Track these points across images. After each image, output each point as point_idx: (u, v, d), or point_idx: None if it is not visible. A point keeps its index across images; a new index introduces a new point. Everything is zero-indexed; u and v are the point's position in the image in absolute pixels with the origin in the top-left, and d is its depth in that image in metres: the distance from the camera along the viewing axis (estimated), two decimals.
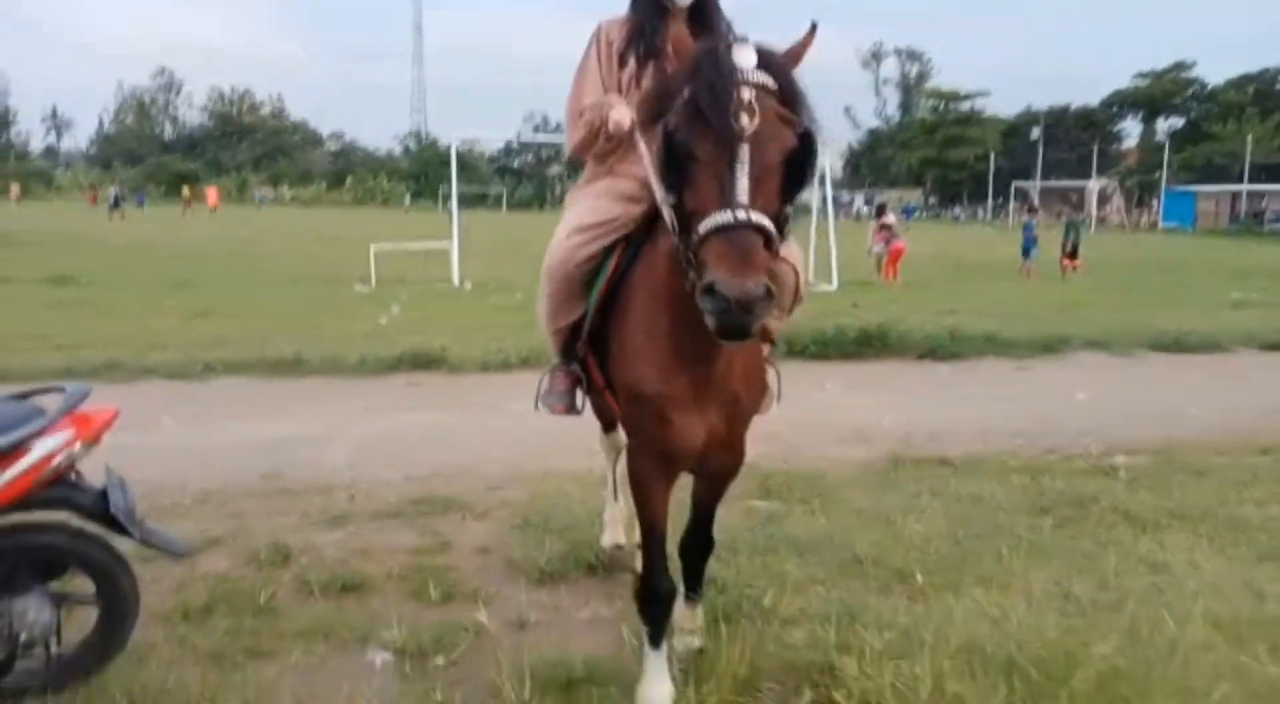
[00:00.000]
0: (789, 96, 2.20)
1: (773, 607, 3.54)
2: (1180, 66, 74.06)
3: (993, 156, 70.25)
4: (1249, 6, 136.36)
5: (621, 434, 3.39)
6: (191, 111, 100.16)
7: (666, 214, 2.37)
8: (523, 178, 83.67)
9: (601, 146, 3.02)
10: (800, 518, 4.69)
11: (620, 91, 3.05)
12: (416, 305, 13.00)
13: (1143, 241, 41.49)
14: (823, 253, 16.72)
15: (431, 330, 10.07)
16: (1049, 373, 9.07)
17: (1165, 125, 76.16)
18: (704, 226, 2.07)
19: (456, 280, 16.14)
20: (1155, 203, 62.18)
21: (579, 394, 3.17)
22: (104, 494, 2.86)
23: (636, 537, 3.09)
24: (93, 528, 2.92)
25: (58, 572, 2.96)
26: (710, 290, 2.00)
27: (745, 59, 2.16)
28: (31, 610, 2.84)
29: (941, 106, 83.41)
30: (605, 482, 4.21)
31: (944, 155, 78.88)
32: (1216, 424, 6.91)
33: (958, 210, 77.26)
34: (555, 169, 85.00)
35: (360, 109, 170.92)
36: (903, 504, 4.87)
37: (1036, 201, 48.94)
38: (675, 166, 2.20)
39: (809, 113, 2.24)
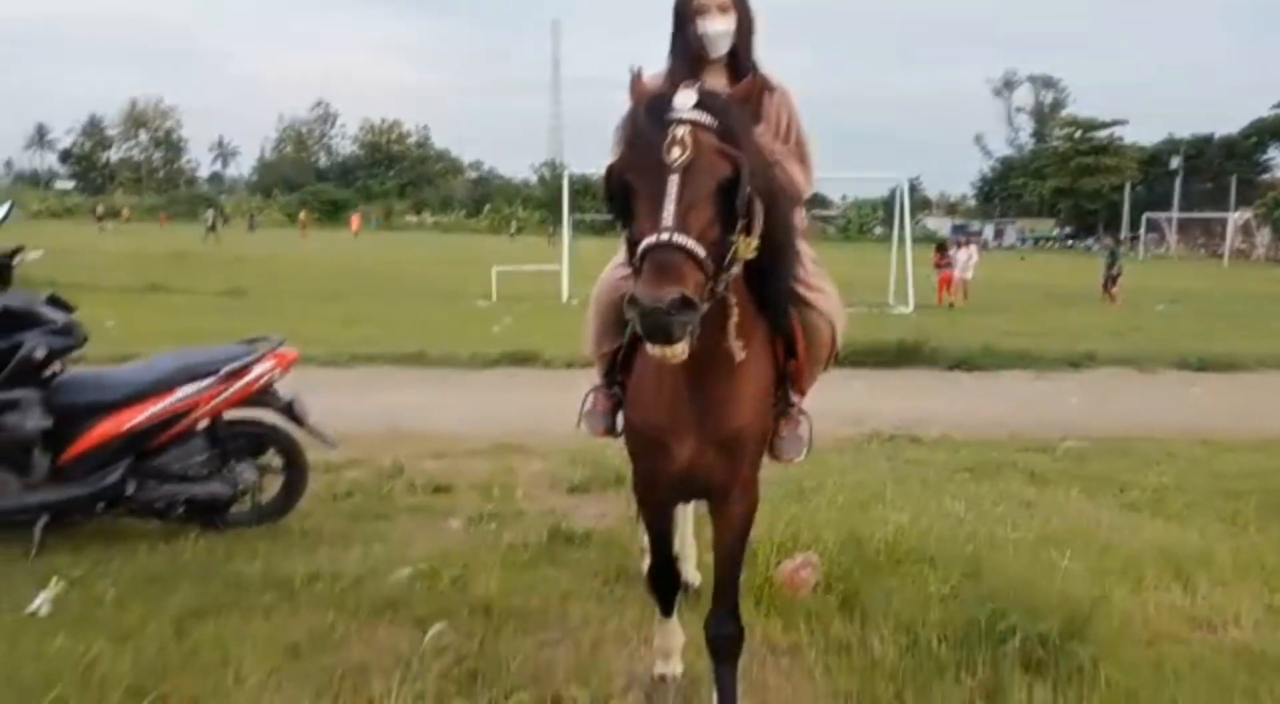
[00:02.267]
0: (726, 132, 2.28)
1: None
2: None
3: (1128, 187, 68.94)
4: None
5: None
6: (344, 141, 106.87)
7: (622, 248, 2.58)
8: None
9: None
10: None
11: None
12: (527, 317, 14.97)
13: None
14: (901, 278, 18.02)
15: (535, 336, 11.95)
16: (1062, 382, 10.30)
17: None
18: (639, 251, 2.22)
19: (565, 297, 18.10)
20: None
21: (619, 417, 3.16)
22: (291, 402, 4.72)
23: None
24: (283, 424, 4.78)
25: (261, 450, 4.83)
26: (631, 300, 2.13)
27: (684, 100, 2.28)
28: (245, 473, 4.71)
29: (1077, 135, 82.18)
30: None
31: (1078, 184, 77.64)
32: (1186, 424, 8.08)
33: (1090, 241, 75.94)
34: None
35: (499, 139, 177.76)
36: (858, 461, 6.38)
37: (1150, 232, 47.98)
38: (621, 203, 2.35)
39: (749, 146, 2.34)
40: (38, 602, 3.68)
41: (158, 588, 3.88)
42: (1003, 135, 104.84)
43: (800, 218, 3.17)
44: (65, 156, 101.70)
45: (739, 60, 3.11)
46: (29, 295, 4.66)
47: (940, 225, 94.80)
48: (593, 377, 3.33)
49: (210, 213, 48.74)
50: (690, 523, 3.87)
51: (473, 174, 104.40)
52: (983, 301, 19.56)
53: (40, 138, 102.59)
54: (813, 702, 3.22)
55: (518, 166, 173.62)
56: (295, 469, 4.82)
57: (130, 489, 4.44)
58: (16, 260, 4.73)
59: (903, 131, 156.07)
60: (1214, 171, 74.10)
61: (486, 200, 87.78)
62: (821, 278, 3.12)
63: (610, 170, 2.38)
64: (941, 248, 21.00)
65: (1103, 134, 79.41)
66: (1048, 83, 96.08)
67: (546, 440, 6.93)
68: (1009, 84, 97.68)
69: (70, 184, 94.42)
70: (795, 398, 3.07)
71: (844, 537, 4.48)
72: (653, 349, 2.18)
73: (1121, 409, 8.89)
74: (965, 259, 20.04)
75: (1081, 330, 14.88)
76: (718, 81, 3.00)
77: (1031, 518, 5.21)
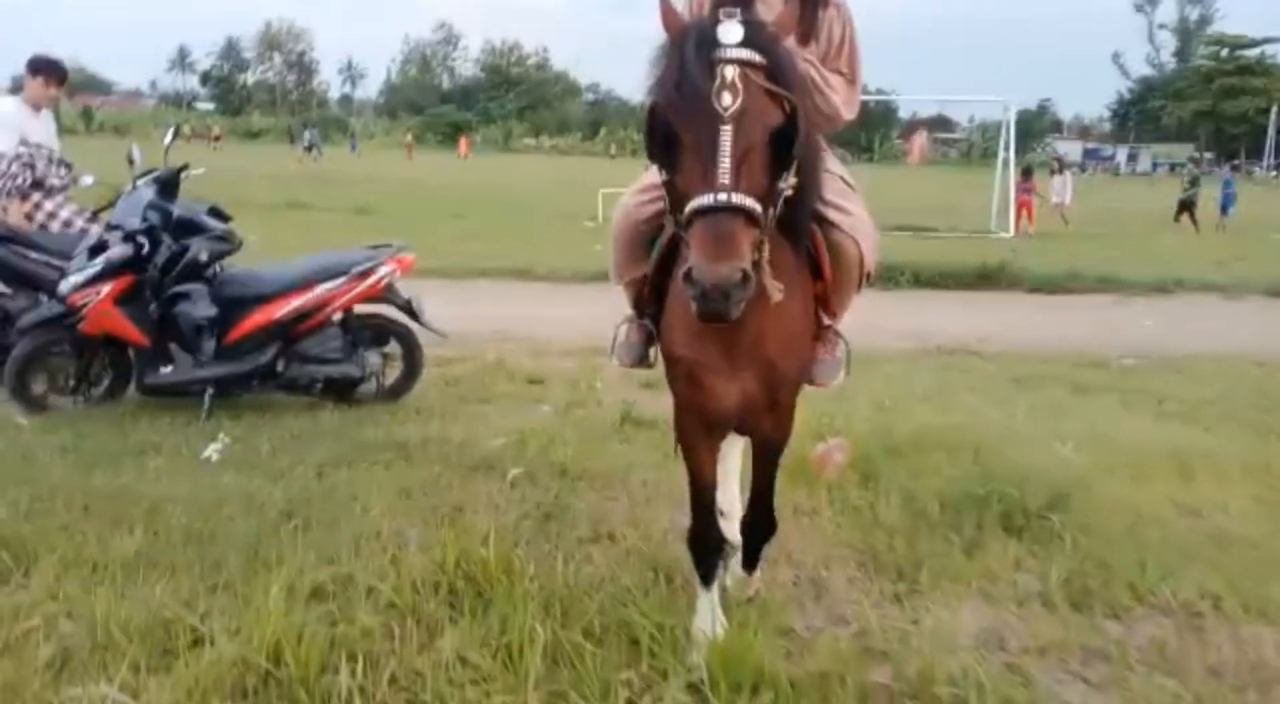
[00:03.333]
0: (777, 71, 2.16)
1: None
2: None
3: (1275, 110, 65.02)
4: None
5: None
6: (467, 64, 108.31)
7: (646, 175, 2.60)
8: None
9: None
10: None
11: None
12: None
13: None
14: (1004, 203, 18.03)
15: None
16: (1142, 307, 10.51)
17: None
18: (689, 208, 2.11)
19: None
20: None
21: (653, 349, 3.11)
22: (410, 300, 5.58)
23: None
24: (402, 318, 5.64)
25: (384, 341, 5.71)
26: (688, 276, 2.05)
27: (730, 35, 2.13)
28: (371, 359, 5.62)
29: (1223, 53, 77.46)
30: None
31: (1220, 107, 73.57)
32: (1254, 347, 8.31)
33: (1223, 168, 72.03)
34: None
35: (617, 59, 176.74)
36: (908, 370, 6.95)
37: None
38: (663, 146, 2.23)
39: (799, 84, 2.22)
40: (209, 450, 4.65)
41: (301, 444, 4.82)
42: (1143, 54, 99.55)
43: (831, 123, 2.99)
44: (205, 78, 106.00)
45: None
46: (194, 206, 5.60)
47: (1071, 149, 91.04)
48: (623, 306, 3.24)
49: (307, 133, 49.41)
50: (736, 479, 3.66)
51: (590, 96, 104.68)
52: (1087, 228, 19.37)
53: (182, 60, 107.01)
54: (821, 549, 3.90)
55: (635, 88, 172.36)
56: (412, 357, 5.70)
57: (279, 368, 5.40)
58: (184, 176, 5.67)
59: (1036, 49, 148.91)
60: None
61: (603, 123, 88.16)
62: (849, 197, 2.98)
63: (652, 113, 2.25)
64: (1027, 172, 20.48)
65: (1252, 53, 74.77)
66: None
67: None
68: None
69: (210, 105, 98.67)
70: (828, 320, 3.00)
71: (876, 428, 5.13)
72: (702, 319, 2.11)
73: (1195, 333, 9.12)
74: (1060, 185, 19.85)
75: (1182, 257, 14.79)
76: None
77: (1058, 420, 5.73)
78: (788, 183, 2.24)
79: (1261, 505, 4.55)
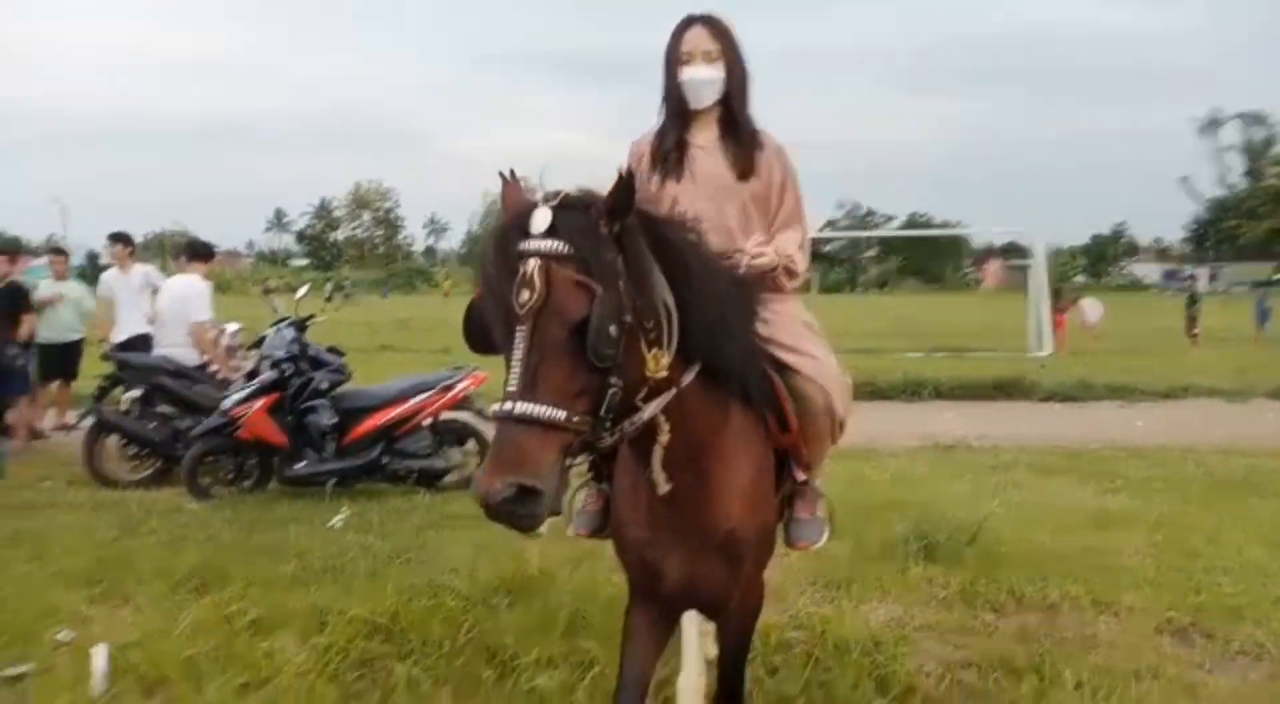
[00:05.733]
0: (588, 258, 1.97)
1: None
2: None
3: None
4: None
5: None
6: None
7: None
8: (834, 262, 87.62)
9: None
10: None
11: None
12: None
13: None
14: (1039, 324, 19.28)
15: None
16: (1142, 410, 11.57)
17: None
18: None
19: None
20: None
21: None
22: (482, 409, 7.16)
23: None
24: (477, 422, 7.22)
25: (464, 440, 7.28)
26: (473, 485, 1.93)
27: (538, 224, 1.98)
28: (454, 455, 7.18)
29: None
30: None
31: None
32: (1231, 439, 9.31)
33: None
34: (870, 253, 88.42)
35: None
36: (907, 462, 8.21)
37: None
38: (484, 345, 2.16)
39: (607, 270, 1.98)
40: (335, 520, 6.19)
41: (402, 516, 6.33)
42: (1210, 175, 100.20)
43: (793, 277, 2.97)
44: (300, 237, 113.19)
45: (732, 113, 2.94)
46: (318, 347, 7.33)
47: (1149, 271, 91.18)
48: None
49: (329, 285, 53.61)
50: (695, 661, 3.39)
51: None
52: (1128, 343, 20.36)
53: (279, 220, 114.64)
54: (787, 575, 5.19)
55: None
56: (485, 453, 7.24)
57: (384, 462, 6.99)
58: (309, 323, 7.43)
59: (1103, 175, 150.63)
60: None
61: None
62: (810, 341, 2.89)
63: (469, 310, 2.20)
64: (1057, 294, 22.07)
65: None
66: (1257, 119, 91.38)
67: None
68: (1215, 122, 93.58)
69: (304, 261, 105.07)
70: (800, 474, 2.85)
71: (851, 498, 6.42)
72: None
73: (1180, 429, 10.11)
74: (1090, 307, 21.19)
75: (1205, 368, 15.68)
76: (707, 135, 2.95)
77: (1010, 491, 6.96)
78: (651, 356, 2.09)
79: (1152, 546, 5.71)
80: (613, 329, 1.95)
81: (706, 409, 2.36)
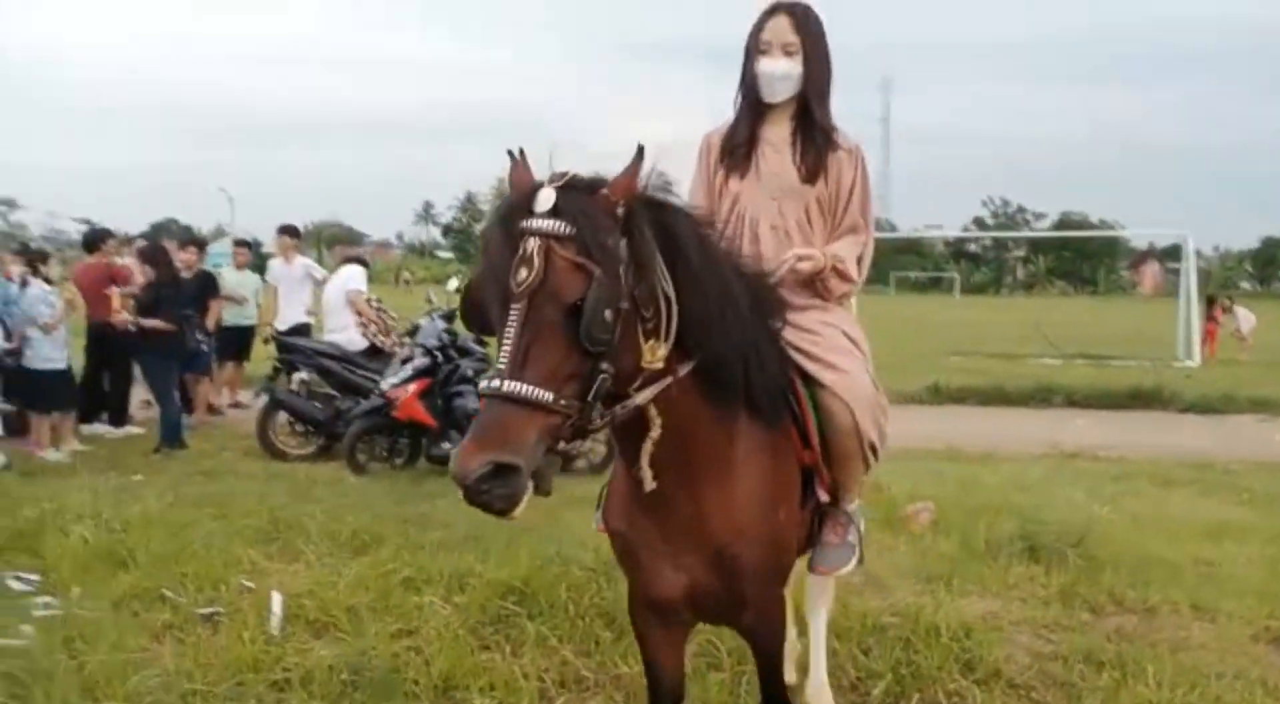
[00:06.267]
0: (589, 240, 1.94)
1: None
2: None
3: None
4: None
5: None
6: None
7: None
8: (979, 262, 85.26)
9: None
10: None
11: (718, 199, 2.94)
12: None
13: None
14: (1189, 332, 18.66)
15: None
16: None
17: None
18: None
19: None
20: None
21: None
22: None
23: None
24: None
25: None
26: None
27: (542, 203, 1.97)
28: (584, 442, 7.68)
29: None
30: None
31: None
32: None
33: None
34: (1016, 253, 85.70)
35: None
36: (1024, 468, 8.28)
37: None
38: (482, 325, 2.18)
39: (608, 254, 1.96)
40: None
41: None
42: None
43: (845, 282, 2.89)
44: (446, 230, 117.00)
45: (809, 110, 2.83)
46: (465, 336, 7.96)
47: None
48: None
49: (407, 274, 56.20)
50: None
51: None
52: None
53: (427, 213, 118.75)
54: (892, 568, 5.47)
55: None
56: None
57: None
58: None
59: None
60: None
61: None
62: (844, 355, 2.76)
63: (467, 289, 2.21)
64: (1211, 301, 21.32)
65: None
66: None
67: None
68: None
69: (450, 254, 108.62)
70: (823, 494, 2.75)
71: (961, 498, 6.65)
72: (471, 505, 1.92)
73: None
74: (1244, 316, 20.19)
75: None
76: (780, 131, 2.85)
77: (1124, 499, 7.00)
78: (648, 347, 2.08)
79: (1265, 558, 5.73)
80: (608, 314, 1.94)
81: (702, 409, 2.30)
